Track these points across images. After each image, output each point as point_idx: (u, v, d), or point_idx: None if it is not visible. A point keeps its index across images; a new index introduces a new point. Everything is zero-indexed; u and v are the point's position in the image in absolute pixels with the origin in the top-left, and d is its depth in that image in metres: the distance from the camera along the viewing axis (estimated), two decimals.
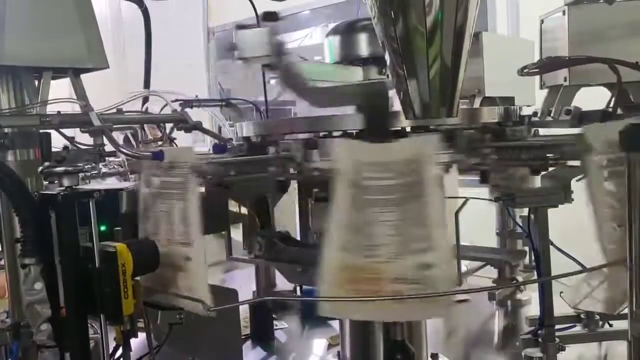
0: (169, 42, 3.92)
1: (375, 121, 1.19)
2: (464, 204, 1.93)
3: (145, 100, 2.11)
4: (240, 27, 1.42)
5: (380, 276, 1.10)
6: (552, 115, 1.58)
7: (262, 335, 2.02)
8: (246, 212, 1.75)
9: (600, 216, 1.12)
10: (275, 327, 2.10)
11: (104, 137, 1.45)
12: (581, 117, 1.51)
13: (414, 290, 1.10)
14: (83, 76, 1.52)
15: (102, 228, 1.22)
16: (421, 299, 1.11)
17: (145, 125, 1.96)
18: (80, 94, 1.35)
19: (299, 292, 2.24)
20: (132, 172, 1.30)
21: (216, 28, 5.15)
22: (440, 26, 1.10)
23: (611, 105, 1.55)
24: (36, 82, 1.42)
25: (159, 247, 1.21)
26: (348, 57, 1.60)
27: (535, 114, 1.65)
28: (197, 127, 1.64)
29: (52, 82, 1.42)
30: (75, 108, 1.46)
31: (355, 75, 1.63)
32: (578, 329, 1.66)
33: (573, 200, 1.36)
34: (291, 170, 1.31)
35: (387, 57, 1.19)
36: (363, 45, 1.58)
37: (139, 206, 1.25)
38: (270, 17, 1.44)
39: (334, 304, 1.16)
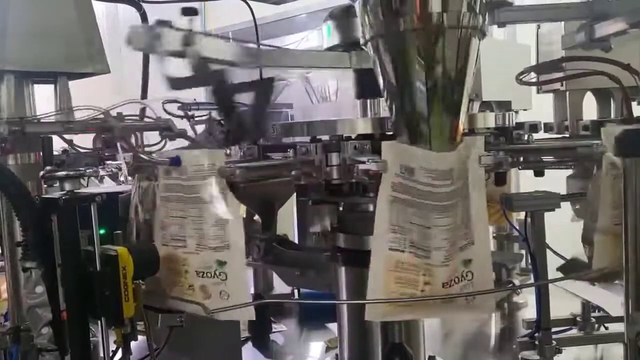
0: None
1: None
2: None
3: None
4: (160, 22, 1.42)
5: (433, 279, 1.10)
6: (569, 131, 1.60)
7: (260, 338, 2.03)
8: (244, 215, 1.76)
9: (605, 219, 1.15)
10: (273, 330, 2.11)
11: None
12: (598, 128, 1.52)
13: (462, 288, 1.12)
14: (79, 80, 1.52)
15: (102, 231, 1.23)
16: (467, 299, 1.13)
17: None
18: (65, 98, 1.36)
19: (297, 295, 2.25)
20: (134, 175, 1.30)
21: (213, 31, 5.16)
22: (442, 76, 1.10)
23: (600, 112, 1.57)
24: (32, 86, 1.42)
25: (182, 253, 1.20)
26: (346, 40, 1.60)
27: (551, 128, 1.67)
28: (182, 135, 1.65)
29: (42, 87, 1.42)
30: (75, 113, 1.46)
31: (345, 60, 1.64)
32: (575, 331, 1.68)
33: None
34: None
35: (388, 99, 1.20)
36: (360, 29, 1.58)
37: (156, 212, 1.23)
38: (190, 11, 1.45)
39: (385, 306, 1.15)
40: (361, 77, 1.66)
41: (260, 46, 2.15)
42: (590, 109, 1.73)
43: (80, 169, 1.22)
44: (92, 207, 1.14)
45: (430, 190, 1.08)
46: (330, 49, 1.67)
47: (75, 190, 1.18)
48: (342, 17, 1.60)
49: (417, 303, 1.14)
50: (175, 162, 1.16)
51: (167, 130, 1.72)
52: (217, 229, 1.17)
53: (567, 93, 1.64)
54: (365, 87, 1.65)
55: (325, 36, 1.67)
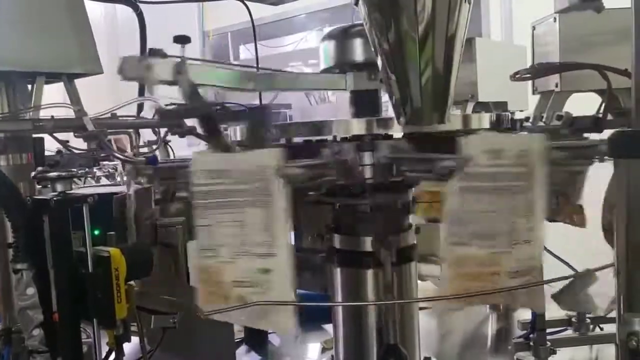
0: (164, 45, 3.92)
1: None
2: None
3: (140, 105, 2.11)
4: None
5: (498, 269, 1.09)
6: (544, 120, 1.60)
7: (256, 340, 2.02)
8: None
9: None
10: (269, 331, 2.11)
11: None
12: (572, 123, 1.52)
13: (525, 281, 1.10)
14: (76, 81, 1.51)
15: (96, 232, 1.23)
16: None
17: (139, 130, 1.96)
18: (75, 99, 1.35)
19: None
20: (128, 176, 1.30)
21: (212, 32, 5.17)
22: (432, 32, 1.10)
23: (601, 111, 1.57)
24: (29, 87, 1.42)
25: (219, 262, 1.10)
26: (342, 62, 1.60)
27: (527, 119, 1.67)
28: (192, 132, 1.64)
29: (45, 86, 1.42)
30: (70, 112, 1.45)
31: (340, 83, 1.65)
32: (570, 332, 1.68)
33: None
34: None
35: (379, 62, 1.20)
36: (358, 51, 1.58)
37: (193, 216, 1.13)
38: (182, 39, 1.47)
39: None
40: (357, 98, 1.67)
41: (259, 48, 2.15)
42: (586, 111, 1.73)
43: (73, 169, 1.21)
44: (84, 208, 1.13)
45: (491, 171, 1.06)
46: (327, 69, 1.68)
47: (67, 191, 1.17)
48: (340, 38, 1.60)
49: (486, 299, 1.13)
50: (152, 161, 1.14)
51: (177, 127, 1.70)
52: (266, 235, 1.08)
53: (554, 91, 1.64)
54: (362, 107, 1.65)
55: (322, 56, 1.68)
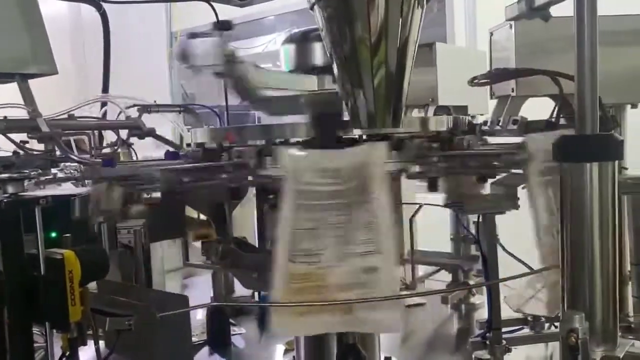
0: (131, 46, 3.88)
1: (326, 130, 1.22)
2: (418, 209, 1.98)
3: (104, 105, 2.08)
4: (192, 35, 1.44)
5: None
6: (500, 124, 1.64)
7: (219, 341, 2.02)
8: (205, 219, 1.76)
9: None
10: (232, 333, 2.10)
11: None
12: (527, 127, 1.57)
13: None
14: (41, 81, 1.48)
15: (53, 234, 1.21)
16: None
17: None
18: (28, 99, 1.33)
19: (257, 298, 2.26)
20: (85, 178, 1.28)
21: (179, 32, 5.12)
22: (385, 38, 1.12)
23: (554, 115, 1.62)
24: None
25: (316, 264, 1.11)
26: (303, 66, 1.62)
27: (485, 123, 1.71)
28: (151, 134, 1.64)
29: None
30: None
31: (311, 84, 1.66)
32: (526, 331, 1.72)
33: (519, 207, 1.42)
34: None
35: (334, 66, 1.22)
36: (318, 54, 1.60)
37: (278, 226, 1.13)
38: (224, 25, 1.46)
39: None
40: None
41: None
42: (542, 115, 1.78)
43: (25, 171, 1.19)
44: (36, 210, 1.12)
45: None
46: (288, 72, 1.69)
47: (19, 193, 1.15)
48: (300, 42, 1.62)
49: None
50: (108, 164, 1.15)
51: (136, 129, 1.70)
52: (367, 231, 1.11)
53: (510, 96, 1.68)
54: None
55: (282, 59, 1.69)
